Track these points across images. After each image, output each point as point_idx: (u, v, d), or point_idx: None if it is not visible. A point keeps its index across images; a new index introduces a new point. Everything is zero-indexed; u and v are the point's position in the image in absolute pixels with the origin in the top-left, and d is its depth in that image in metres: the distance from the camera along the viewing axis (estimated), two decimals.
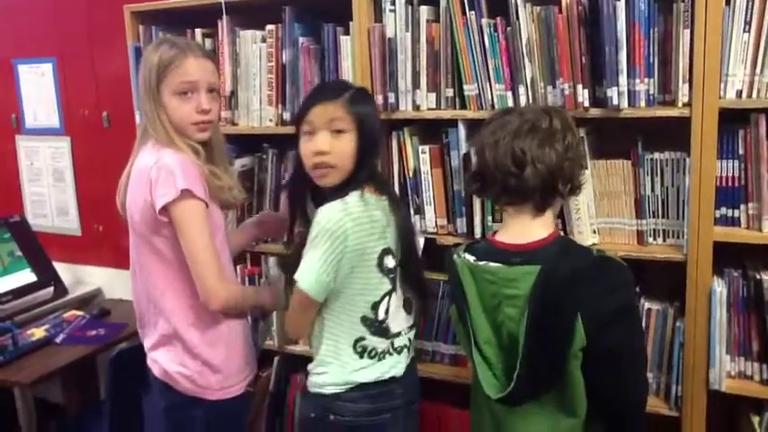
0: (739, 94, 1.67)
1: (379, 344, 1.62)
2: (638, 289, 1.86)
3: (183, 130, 1.67)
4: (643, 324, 1.78)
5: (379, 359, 1.62)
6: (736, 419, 1.91)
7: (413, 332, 1.71)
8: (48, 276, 2.90)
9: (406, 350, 1.67)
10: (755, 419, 1.80)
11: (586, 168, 1.60)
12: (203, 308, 1.63)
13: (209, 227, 1.61)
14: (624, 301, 1.37)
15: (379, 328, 1.61)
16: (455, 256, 1.50)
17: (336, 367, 1.60)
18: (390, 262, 1.60)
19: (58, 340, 2.55)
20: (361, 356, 1.61)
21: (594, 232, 1.87)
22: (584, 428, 1.41)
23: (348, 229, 1.50)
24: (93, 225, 3.04)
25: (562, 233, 1.50)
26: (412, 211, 2.03)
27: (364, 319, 1.60)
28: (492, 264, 1.42)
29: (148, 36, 2.37)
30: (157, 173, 1.57)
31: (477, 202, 1.95)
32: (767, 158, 1.66)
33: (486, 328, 1.45)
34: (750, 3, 1.62)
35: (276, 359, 2.37)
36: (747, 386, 1.77)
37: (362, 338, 1.60)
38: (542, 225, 1.45)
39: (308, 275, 1.51)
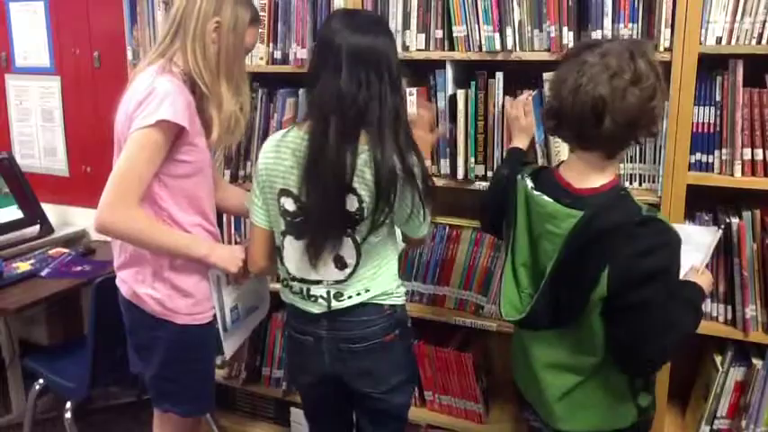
0: (719, 40, 1.71)
1: (286, 276, 1.67)
2: None
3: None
4: None
5: (291, 291, 1.67)
6: (701, 359, 1.98)
7: (341, 285, 1.60)
8: (34, 214, 2.92)
9: (322, 301, 1.62)
10: (718, 359, 1.88)
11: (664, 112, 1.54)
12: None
13: (154, 159, 1.58)
14: (658, 265, 1.32)
15: (282, 265, 1.66)
16: (519, 177, 1.51)
17: None
18: (289, 204, 1.57)
19: (43, 274, 2.58)
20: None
21: None
22: (605, 369, 1.43)
23: (260, 158, 1.60)
24: (82, 166, 3.06)
25: (620, 183, 1.43)
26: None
27: (278, 250, 1.67)
28: (545, 197, 1.42)
29: None
30: (145, 95, 1.57)
31: (460, 144, 2.00)
32: (740, 106, 1.71)
33: (526, 252, 1.48)
34: None
35: None
36: (712, 326, 1.85)
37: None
38: (604, 172, 1.41)
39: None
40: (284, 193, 1.57)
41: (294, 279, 1.64)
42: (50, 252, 2.78)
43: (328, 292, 1.61)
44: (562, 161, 1.54)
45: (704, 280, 1.52)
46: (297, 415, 2.44)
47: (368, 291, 1.61)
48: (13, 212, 2.86)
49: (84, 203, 3.07)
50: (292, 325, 1.71)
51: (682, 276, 1.47)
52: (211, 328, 1.80)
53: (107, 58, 2.88)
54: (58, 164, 3.11)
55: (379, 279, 1.62)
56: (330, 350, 1.63)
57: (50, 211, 3.01)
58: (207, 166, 1.73)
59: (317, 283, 1.61)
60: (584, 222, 1.34)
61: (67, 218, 3.11)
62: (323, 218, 1.52)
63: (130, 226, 1.58)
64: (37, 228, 2.92)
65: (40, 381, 2.35)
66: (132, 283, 1.71)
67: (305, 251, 1.57)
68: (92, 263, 2.72)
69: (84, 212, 3.07)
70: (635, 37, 1.78)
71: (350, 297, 1.60)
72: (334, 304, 1.60)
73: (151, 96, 1.56)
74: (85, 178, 3.07)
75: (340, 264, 1.58)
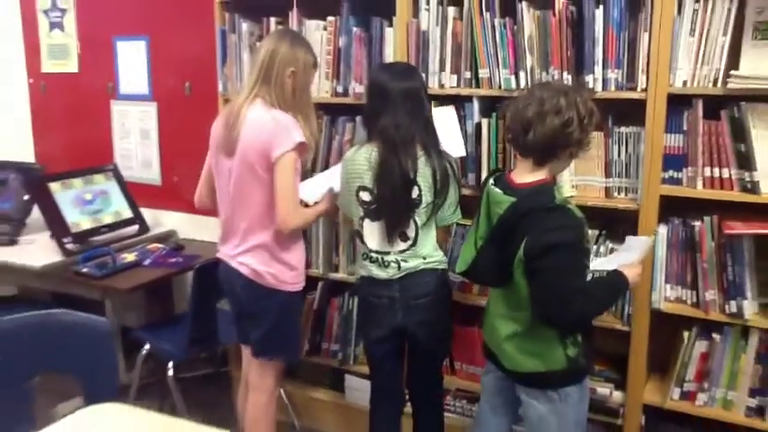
0: (684, 83, 2.21)
1: (363, 251, 2.28)
2: (603, 231, 2.43)
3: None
4: (599, 256, 2.33)
5: (370, 261, 2.27)
6: (675, 335, 2.45)
7: (406, 253, 2.21)
8: (134, 215, 3.54)
9: (394, 266, 2.22)
10: (686, 334, 2.35)
11: (585, 143, 1.94)
12: None
13: (296, 171, 2.22)
14: (558, 240, 1.78)
15: (363, 243, 2.27)
16: (489, 181, 2.03)
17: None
18: (366, 196, 2.20)
19: (145, 263, 3.18)
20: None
21: (573, 187, 2.43)
22: (537, 323, 1.91)
23: (343, 167, 2.28)
24: (172, 177, 3.67)
25: (550, 183, 1.93)
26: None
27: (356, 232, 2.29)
28: (496, 189, 1.95)
29: (231, 22, 2.97)
30: (276, 127, 2.16)
31: (484, 161, 2.52)
32: (701, 134, 2.20)
33: (484, 228, 2.00)
34: (694, 14, 2.16)
35: (320, 284, 2.96)
36: (681, 308, 2.32)
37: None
38: (535, 174, 1.92)
39: None
40: (361, 188, 2.20)
41: (371, 251, 2.25)
42: (148, 247, 3.38)
43: (397, 260, 2.22)
44: (513, 169, 2.06)
45: (631, 272, 1.97)
46: (350, 381, 2.99)
47: (424, 258, 2.22)
48: (122, 213, 3.48)
49: (172, 208, 3.68)
50: (369, 291, 2.29)
51: (618, 267, 1.97)
52: (304, 294, 2.44)
53: (196, 88, 3.49)
54: (152, 174, 3.73)
55: (430, 250, 2.23)
56: (402, 307, 2.23)
57: (145, 213, 3.61)
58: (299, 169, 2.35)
59: (388, 253, 2.22)
60: (513, 205, 1.88)
61: (159, 219, 3.71)
62: (395, 204, 2.15)
63: (303, 219, 2.30)
64: (136, 227, 3.53)
65: (146, 347, 2.92)
66: (254, 264, 2.28)
67: (381, 229, 2.18)
68: (182, 256, 3.30)
69: (173, 215, 3.68)
70: (619, 80, 2.29)
71: (413, 263, 2.21)
72: (403, 266, 2.21)
73: (280, 127, 2.16)
74: (174, 187, 3.68)
75: (404, 238, 2.20)
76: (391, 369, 2.37)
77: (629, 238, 2.16)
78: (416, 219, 2.19)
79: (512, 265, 1.89)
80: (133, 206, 3.55)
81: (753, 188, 2.15)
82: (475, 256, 1.99)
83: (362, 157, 2.19)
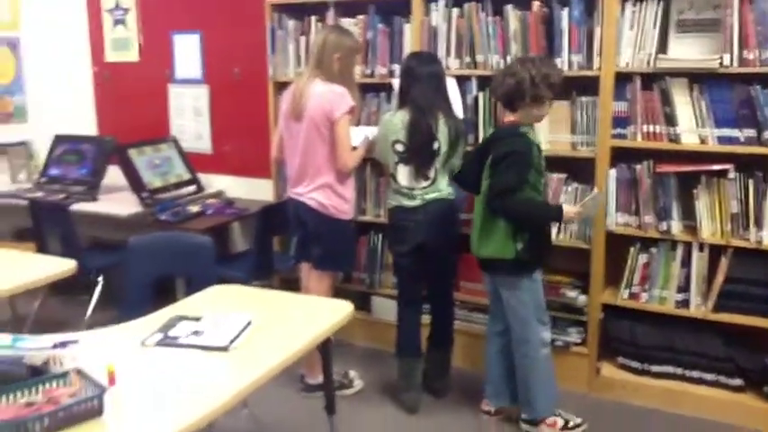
0: (627, 64, 3.03)
1: (396, 187, 3.08)
2: (566, 175, 3.24)
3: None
4: (568, 194, 3.16)
5: (401, 194, 3.08)
6: (624, 251, 3.27)
7: (427, 188, 3.02)
8: (192, 178, 4.32)
9: (419, 197, 3.03)
10: (631, 249, 3.18)
11: (542, 95, 2.70)
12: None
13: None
14: (507, 150, 2.64)
15: (395, 180, 3.07)
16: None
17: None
18: (399, 147, 3.01)
19: (208, 213, 3.97)
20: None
21: (548, 142, 3.24)
22: (494, 218, 2.73)
23: (381, 126, 3.07)
24: (222, 146, 4.45)
25: (520, 124, 2.74)
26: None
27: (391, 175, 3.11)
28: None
29: (279, 20, 3.76)
30: (335, 96, 2.96)
31: (480, 126, 3.33)
32: (639, 101, 3.02)
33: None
34: (633, 14, 2.98)
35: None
36: (628, 230, 3.15)
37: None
38: (511, 117, 2.76)
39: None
40: (396, 142, 3.00)
41: (403, 188, 3.05)
42: (207, 201, 4.16)
43: (421, 193, 3.02)
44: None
45: (569, 209, 2.75)
46: (376, 301, 3.80)
47: (440, 192, 3.04)
48: (183, 175, 4.28)
49: (221, 172, 4.45)
50: (399, 217, 3.09)
51: (565, 205, 2.84)
52: (354, 222, 3.23)
53: (244, 73, 4.26)
54: (204, 145, 4.51)
55: (444, 186, 3.05)
56: (425, 227, 3.02)
57: (200, 176, 4.40)
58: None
59: (414, 189, 3.03)
60: (492, 133, 2.81)
61: (210, 181, 4.47)
62: (422, 153, 2.96)
63: (356, 159, 3.09)
64: (194, 187, 4.32)
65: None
66: (320, 198, 3.06)
67: (411, 171, 3.00)
68: (234, 208, 4.07)
69: (221, 178, 4.45)
70: (580, 62, 3.10)
71: (433, 195, 3.03)
72: (426, 198, 3.02)
73: (337, 95, 2.96)
74: (223, 154, 4.46)
75: (426, 178, 3.01)
76: (414, 278, 3.18)
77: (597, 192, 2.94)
78: (436, 164, 3.00)
79: (482, 173, 2.75)
80: (191, 170, 4.34)
81: (676, 139, 2.98)
82: (461, 165, 2.92)
83: (398, 119, 3.00)
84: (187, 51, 4.44)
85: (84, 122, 4.88)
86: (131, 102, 4.73)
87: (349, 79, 3.10)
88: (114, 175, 4.29)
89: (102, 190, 4.31)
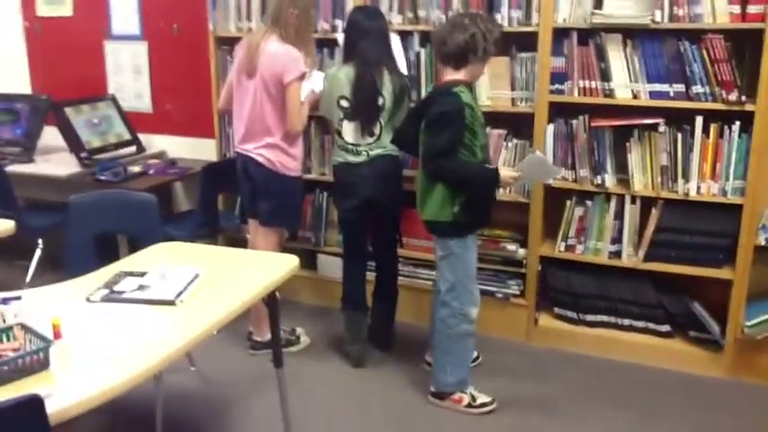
0: (564, 20, 3.10)
1: (341, 143, 3.11)
2: (506, 131, 3.32)
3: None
4: (508, 150, 3.24)
5: (346, 151, 3.10)
6: (561, 205, 3.38)
7: (372, 144, 3.05)
8: (132, 138, 4.25)
9: (365, 153, 3.06)
10: (568, 202, 3.29)
11: (490, 51, 2.73)
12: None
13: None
14: (441, 111, 2.61)
15: (340, 137, 3.09)
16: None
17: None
18: (344, 103, 3.02)
19: (150, 172, 3.92)
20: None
21: (488, 99, 3.31)
22: (434, 182, 2.73)
23: (326, 81, 3.06)
24: (163, 105, 4.38)
25: (461, 83, 2.69)
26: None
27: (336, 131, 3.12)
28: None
29: None
30: (288, 60, 2.94)
31: (422, 78, 3.37)
32: (576, 57, 3.10)
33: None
34: None
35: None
36: (565, 183, 3.26)
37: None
38: (448, 77, 2.73)
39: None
40: (341, 97, 3.01)
41: (348, 144, 3.07)
42: (149, 162, 4.11)
43: (366, 150, 3.05)
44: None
45: (506, 173, 2.70)
46: (321, 260, 3.84)
47: (385, 148, 3.06)
48: (123, 135, 4.20)
49: (163, 132, 4.39)
50: (345, 173, 3.11)
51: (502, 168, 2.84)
52: (301, 180, 3.24)
53: (183, 29, 4.17)
54: (144, 104, 4.42)
55: (388, 143, 3.06)
56: (371, 182, 3.05)
57: (141, 137, 4.32)
58: None
59: (359, 145, 3.05)
60: (428, 93, 2.83)
61: (151, 141, 4.40)
62: (367, 108, 2.97)
63: (302, 122, 3.06)
64: (134, 147, 4.25)
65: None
66: (269, 155, 3.06)
67: (356, 127, 3.02)
68: (176, 167, 4.04)
69: (163, 138, 4.39)
70: (520, 18, 3.15)
71: (378, 152, 3.06)
72: (371, 154, 3.05)
73: (291, 59, 2.93)
74: (165, 114, 4.39)
75: (371, 134, 3.04)
76: (359, 234, 3.23)
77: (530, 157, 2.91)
78: (381, 120, 3.02)
79: (418, 134, 2.76)
80: (131, 130, 4.26)
81: (610, 94, 3.08)
82: (398, 127, 2.95)
83: (342, 74, 3.01)
84: (123, 6, 4.32)
85: (17, 80, 4.71)
86: (66, 58, 4.58)
87: (306, 37, 3.08)
88: (50, 135, 4.18)
89: (38, 151, 4.20)
